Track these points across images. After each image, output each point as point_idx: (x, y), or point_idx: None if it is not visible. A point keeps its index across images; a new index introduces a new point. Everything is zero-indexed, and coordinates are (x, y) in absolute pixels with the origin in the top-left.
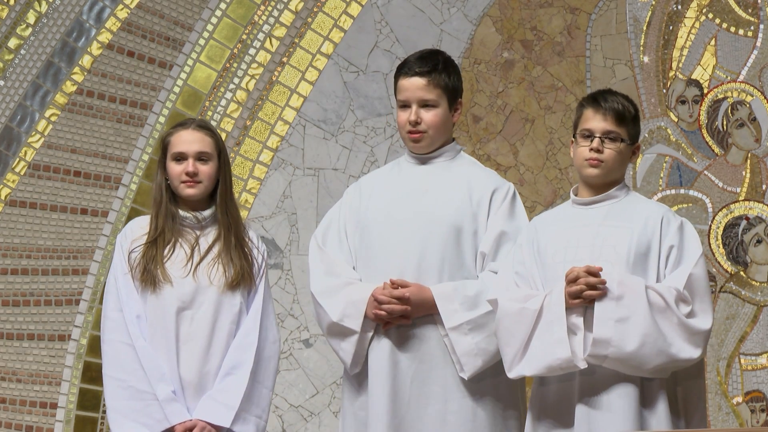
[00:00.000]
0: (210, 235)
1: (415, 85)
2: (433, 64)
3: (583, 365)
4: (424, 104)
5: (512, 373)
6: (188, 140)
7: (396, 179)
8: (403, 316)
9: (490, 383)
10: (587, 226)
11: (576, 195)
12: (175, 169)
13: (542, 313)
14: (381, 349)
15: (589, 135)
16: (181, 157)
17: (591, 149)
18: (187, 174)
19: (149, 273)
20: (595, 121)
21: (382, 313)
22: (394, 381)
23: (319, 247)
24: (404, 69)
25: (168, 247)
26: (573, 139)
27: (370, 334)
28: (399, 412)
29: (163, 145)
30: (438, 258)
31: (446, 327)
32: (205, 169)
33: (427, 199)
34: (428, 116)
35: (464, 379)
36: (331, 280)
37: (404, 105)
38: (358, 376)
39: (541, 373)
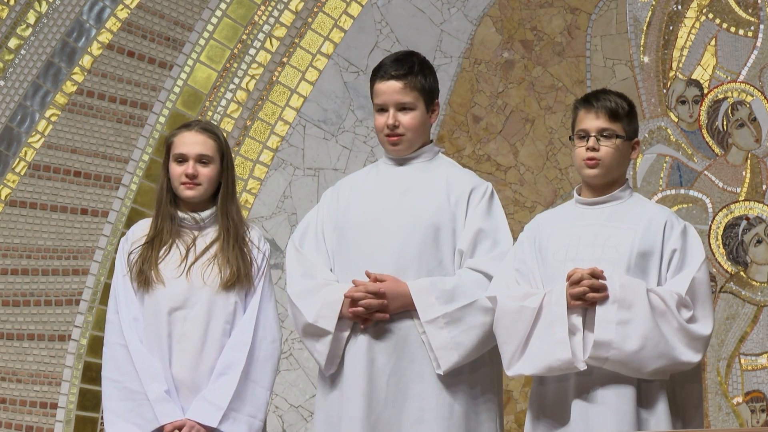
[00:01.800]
0: (209, 236)
1: (391, 88)
2: (408, 66)
3: (582, 367)
4: (402, 107)
5: (511, 372)
6: (190, 142)
7: (374, 181)
8: (380, 311)
9: (466, 379)
10: (589, 225)
11: (579, 194)
12: (175, 170)
13: (542, 312)
14: (357, 346)
15: (585, 135)
16: (182, 159)
17: (587, 149)
18: (186, 176)
19: (143, 274)
20: (588, 121)
21: (360, 309)
22: (371, 379)
23: (296, 249)
24: (380, 72)
25: (164, 248)
26: (571, 142)
27: (346, 334)
28: (375, 410)
29: (167, 146)
30: (416, 258)
31: (422, 320)
32: (205, 172)
33: (405, 199)
34: (406, 119)
35: (441, 376)
36: (308, 281)
37: (381, 109)
38: (332, 373)
39: (541, 373)
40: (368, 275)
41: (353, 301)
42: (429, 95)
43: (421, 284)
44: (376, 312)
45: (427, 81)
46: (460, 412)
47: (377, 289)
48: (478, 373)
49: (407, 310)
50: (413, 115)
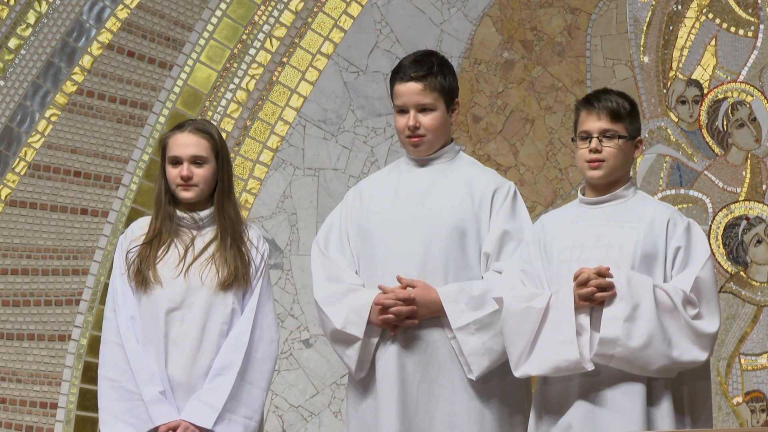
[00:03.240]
0: (207, 235)
1: (411, 90)
2: (428, 67)
3: (590, 367)
4: (422, 108)
5: (518, 372)
6: (183, 144)
7: (396, 182)
8: (410, 317)
9: (497, 384)
10: (593, 225)
11: (583, 194)
12: (171, 172)
13: (548, 312)
14: (388, 353)
15: (587, 136)
16: (176, 161)
17: (590, 150)
18: (181, 178)
19: (141, 273)
20: (590, 122)
21: (390, 317)
22: (402, 384)
23: (321, 252)
24: (399, 74)
25: (163, 247)
26: (573, 143)
27: (375, 340)
28: (408, 416)
29: (162, 148)
30: (442, 260)
31: (453, 327)
32: (200, 173)
33: (428, 201)
34: (426, 120)
35: (471, 381)
36: (334, 286)
37: (402, 110)
38: (363, 380)
39: (548, 373)
40: (400, 280)
41: (383, 308)
42: (449, 95)
43: (450, 291)
44: (406, 318)
45: (447, 81)
46: (491, 417)
47: (407, 296)
48: (508, 379)
49: (436, 316)
50: (434, 115)
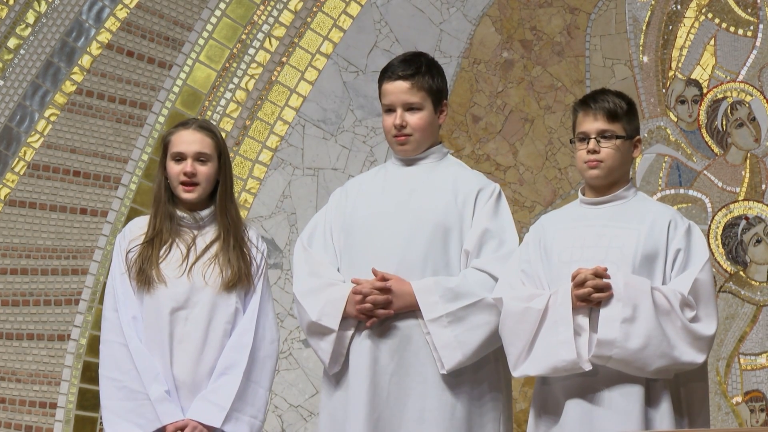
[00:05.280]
0: (208, 235)
1: (399, 88)
2: (416, 66)
3: (588, 367)
4: (409, 107)
5: (516, 373)
6: (188, 140)
7: (382, 181)
8: (386, 308)
9: (469, 379)
10: (594, 226)
11: (583, 195)
12: (173, 168)
13: (547, 313)
14: (361, 345)
15: (585, 137)
16: (180, 157)
17: (588, 151)
18: (185, 174)
19: (144, 273)
20: (588, 123)
21: (367, 305)
22: (374, 376)
23: (304, 248)
24: (387, 73)
25: (165, 247)
26: (572, 145)
27: (350, 333)
28: (377, 408)
29: (164, 144)
30: (422, 258)
31: (425, 319)
32: (204, 170)
33: (413, 199)
34: (413, 119)
35: (444, 376)
36: (314, 280)
37: (389, 109)
38: (336, 373)
39: (546, 373)
40: (375, 273)
41: (360, 298)
42: (437, 96)
43: (424, 283)
44: (381, 309)
45: (435, 81)
46: (462, 412)
47: (383, 286)
48: (481, 373)
49: (411, 310)
50: (421, 115)
